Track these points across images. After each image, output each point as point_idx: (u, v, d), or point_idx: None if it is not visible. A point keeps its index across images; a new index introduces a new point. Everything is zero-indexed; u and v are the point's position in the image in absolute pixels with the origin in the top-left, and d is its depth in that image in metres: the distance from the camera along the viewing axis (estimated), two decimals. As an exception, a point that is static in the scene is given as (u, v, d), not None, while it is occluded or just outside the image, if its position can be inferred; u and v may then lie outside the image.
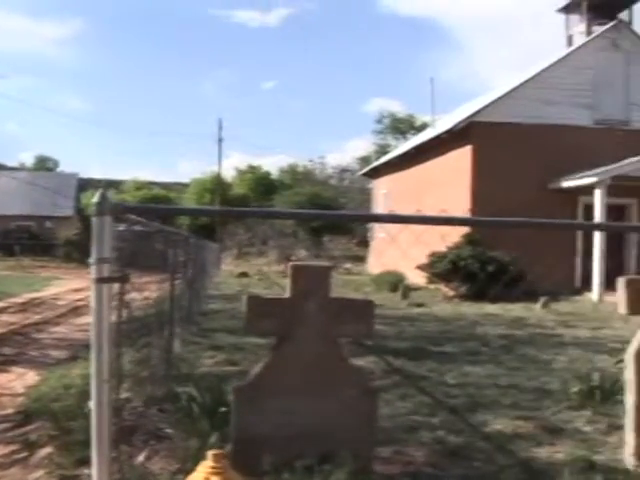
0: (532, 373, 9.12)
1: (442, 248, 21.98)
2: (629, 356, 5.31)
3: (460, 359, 10.20)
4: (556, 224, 5.17)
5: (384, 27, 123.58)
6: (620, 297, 5.16)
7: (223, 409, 5.41)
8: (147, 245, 7.20)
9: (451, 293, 22.40)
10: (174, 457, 5.03)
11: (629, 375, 5.35)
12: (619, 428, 5.77)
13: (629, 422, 5.32)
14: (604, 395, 7.19)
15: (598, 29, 27.41)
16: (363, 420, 4.71)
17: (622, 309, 5.17)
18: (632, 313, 5.12)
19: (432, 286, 23.73)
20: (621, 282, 5.18)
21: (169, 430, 5.67)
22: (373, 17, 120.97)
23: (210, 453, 3.39)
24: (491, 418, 6.67)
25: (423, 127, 47.67)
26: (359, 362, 9.29)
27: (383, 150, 60.91)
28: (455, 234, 21.89)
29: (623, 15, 27.95)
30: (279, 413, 4.58)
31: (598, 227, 20.51)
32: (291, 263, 4.76)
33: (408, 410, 6.84)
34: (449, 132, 26.40)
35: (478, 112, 25.72)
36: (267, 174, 74.26)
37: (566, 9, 29.25)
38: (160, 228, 7.10)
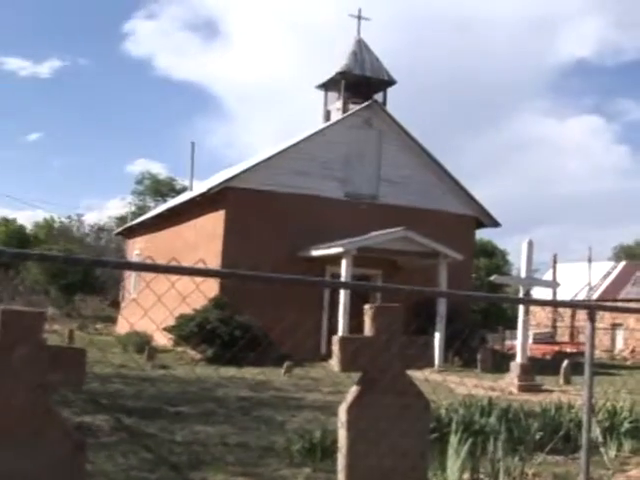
0: (263, 433, 9.25)
1: (189, 310, 21.92)
2: (341, 413, 5.51)
3: (194, 419, 10.19)
4: (305, 280, 5.35)
5: (157, 89, 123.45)
6: (334, 355, 5.37)
7: None
8: None
9: (197, 356, 22.34)
10: None
11: (341, 431, 5.54)
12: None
13: (341, 477, 5.49)
14: (324, 452, 7.39)
15: (354, 107, 28.74)
16: (69, 476, 4.57)
17: (336, 367, 5.37)
18: (344, 370, 5.33)
19: (179, 348, 23.57)
20: (335, 340, 5.38)
21: None
22: (147, 78, 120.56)
23: None
24: (211, 475, 6.68)
25: (183, 190, 47.71)
26: (88, 419, 9.07)
27: (141, 211, 60.37)
28: (202, 297, 21.90)
29: (378, 96, 29.51)
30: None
31: (344, 285, 21.21)
32: (1, 308, 4.59)
33: (128, 466, 6.74)
34: (204, 196, 26.59)
35: (233, 178, 26.11)
36: (22, 228, 71.44)
37: (325, 86, 30.49)
38: None
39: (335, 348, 5.35)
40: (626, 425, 9.78)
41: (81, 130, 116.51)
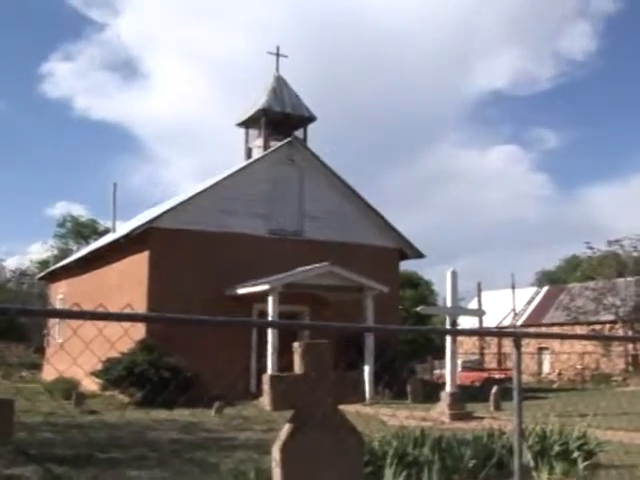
0: (196, 476, 9.17)
1: (116, 354, 21.62)
2: (275, 451, 5.50)
3: (125, 464, 10.06)
4: (233, 321, 5.32)
5: (75, 130, 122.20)
6: (265, 394, 5.38)
7: None
8: None
9: (126, 400, 22.01)
10: None
11: (276, 470, 5.53)
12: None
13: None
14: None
15: (275, 144, 28.88)
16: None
17: (268, 406, 5.39)
18: (276, 409, 5.33)
19: (107, 393, 23.20)
20: (265, 379, 5.41)
21: None
22: (66, 120, 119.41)
23: None
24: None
25: (106, 232, 47.22)
26: (17, 471, 8.88)
27: (64, 254, 59.52)
28: (128, 340, 21.61)
29: (299, 133, 29.72)
30: None
31: (271, 324, 21.16)
32: None
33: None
34: (127, 237, 26.37)
35: (156, 218, 25.96)
36: (-60, 275, 69.83)
37: (245, 124, 30.63)
38: None
39: (266, 387, 5.39)
40: (556, 448, 9.95)
41: (0, 173, 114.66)
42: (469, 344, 54.45)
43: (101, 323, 3.97)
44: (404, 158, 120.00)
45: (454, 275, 19.90)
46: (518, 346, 5.78)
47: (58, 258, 54.35)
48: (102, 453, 11.26)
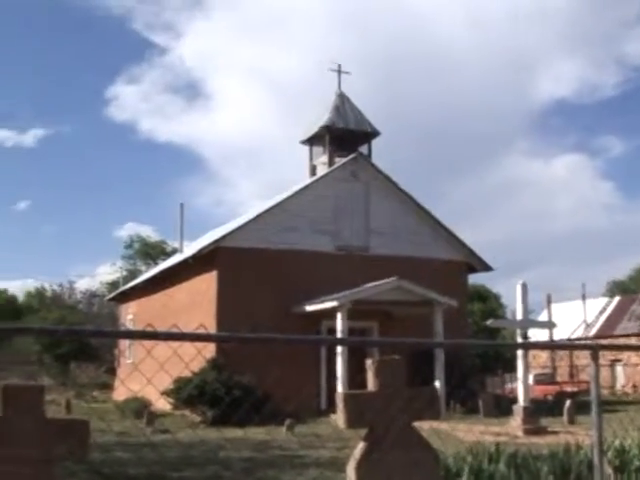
0: (269, 494, 9.12)
1: (187, 373, 21.76)
2: (350, 470, 5.44)
3: (199, 484, 10.06)
4: (304, 340, 5.32)
5: (142, 153, 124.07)
6: (339, 412, 5.31)
7: None
8: None
9: (197, 419, 22.15)
10: None
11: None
12: None
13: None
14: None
15: (340, 160, 28.91)
16: None
17: (341, 423, 5.31)
18: (350, 427, 5.27)
19: (178, 412, 23.37)
20: (339, 397, 5.33)
21: None
22: (132, 142, 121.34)
23: None
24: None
25: (174, 253, 47.73)
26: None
27: (133, 275, 60.29)
28: (199, 359, 21.73)
29: (363, 148, 29.73)
30: None
31: (342, 342, 21.08)
32: (2, 383, 4.55)
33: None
34: (195, 257, 26.59)
35: (223, 237, 26.16)
36: (13, 298, 71.32)
37: (310, 141, 30.73)
38: None
39: (340, 405, 5.29)
40: (636, 463, 9.69)
41: (68, 197, 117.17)
42: (541, 357, 53.70)
43: (175, 343, 3.95)
44: (469, 170, 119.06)
45: (524, 287, 19.64)
46: (596, 358, 5.63)
47: (127, 279, 55.02)
48: (175, 472, 11.30)
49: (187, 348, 4.68)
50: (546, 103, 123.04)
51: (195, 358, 20.98)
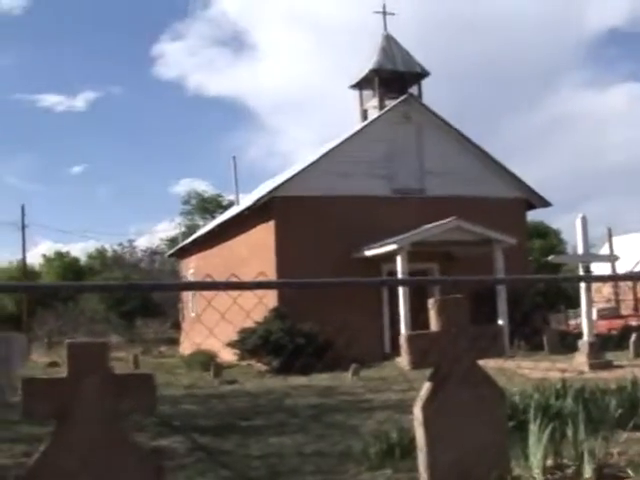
0: (337, 439, 9.19)
1: (251, 323, 21.96)
2: (417, 410, 5.44)
3: (267, 431, 10.17)
4: (362, 282, 5.29)
5: (191, 108, 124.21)
6: (403, 353, 5.30)
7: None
8: None
9: (263, 368, 22.39)
10: None
11: (419, 430, 5.47)
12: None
13: (424, 476, 5.42)
14: (403, 452, 7.31)
15: (391, 103, 28.63)
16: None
17: (406, 365, 5.31)
18: (415, 368, 5.26)
19: (244, 362, 23.65)
20: (403, 338, 5.32)
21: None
22: (180, 99, 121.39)
23: None
24: (292, 486, 6.65)
25: (230, 206, 47.91)
26: (164, 442, 9.09)
27: (191, 231, 60.73)
28: (262, 309, 21.89)
29: (413, 89, 29.38)
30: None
31: (402, 282, 21.05)
32: (67, 341, 4.60)
33: (208, 485, 6.73)
34: (251, 208, 26.69)
35: (278, 187, 26.16)
36: (76, 260, 72.41)
37: (359, 85, 30.43)
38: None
39: (404, 346, 5.28)
40: None
41: (122, 157, 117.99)
42: (604, 292, 53.10)
43: (235, 293, 3.96)
44: (522, 104, 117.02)
45: (584, 221, 19.33)
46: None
47: (186, 234, 55.47)
48: (244, 421, 11.44)
49: (248, 298, 4.68)
50: (599, 33, 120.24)
51: (258, 308, 21.21)
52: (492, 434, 5.49)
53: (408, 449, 7.27)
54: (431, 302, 5.15)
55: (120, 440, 4.48)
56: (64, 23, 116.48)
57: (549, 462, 6.39)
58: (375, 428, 9.63)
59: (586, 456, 6.28)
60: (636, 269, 51.77)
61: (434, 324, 5.18)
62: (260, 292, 4.25)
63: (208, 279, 4.22)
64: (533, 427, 6.60)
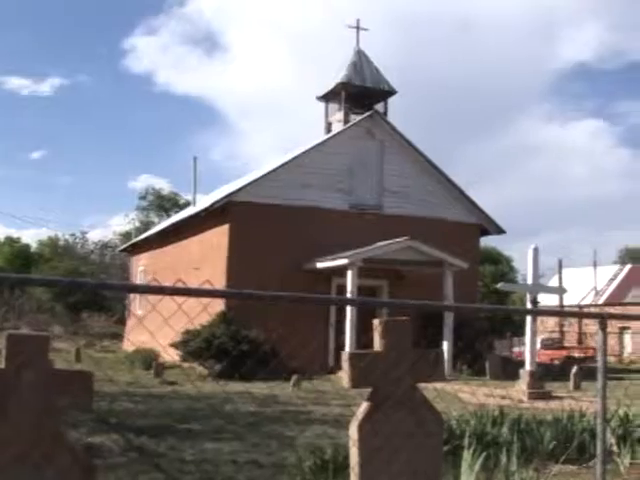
0: (273, 449, 9.18)
1: (196, 326, 21.82)
2: (352, 430, 5.43)
3: (203, 436, 10.13)
4: (313, 298, 5.29)
5: (158, 105, 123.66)
6: (344, 371, 5.30)
7: None
8: None
9: (205, 372, 22.26)
10: None
11: (353, 449, 5.46)
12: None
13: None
14: (337, 468, 7.32)
15: (355, 118, 28.72)
16: (80, 499, 4.50)
17: (346, 383, 5.30)
18: (355, 387, 5.26)
19: (186, 364, 23.50)
20: (344, 356, 5.32)
21: None
22: (147, 94, 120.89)
23: None
24: (223, 494, 6.62)
25: (187, 206, 47.73)
26: (98, 439, 9.00)
27: (145, 227, 60.38)
28: (207, 313, 21.73)
29: (379, 106, 29.50)
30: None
31: (350, 302, 21.11)
32: (7, 332, 4.54)
33: (139, 488, 6.68)
34: (207, 210, 26.57)
35: (236, 192, 26.08)
36: (26, 247, 71.53)
37: (325, 97, 30.49)
38: None
39: (345, 364, 5.28)
40: (639, 432, 9.69)
41: (84, 146, 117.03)
42: (549, 322, 53.73)
43: (180, 298, 3.94)
44: (485, 132, 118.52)
45: (536, 252, 19.55)
46: (604, 327, 5.61)
47: (140, 230, 55.15)
48: (180, 424, 11.38)
49: (195, 303, 4.66)
50: (566, 67, 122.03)
51: (201, 314, 21.07)
52: (426, 459, 5.50)
53: (342, 466, 7.28)
54: (376, 323, 5.15)
55: (52, 436, 4.42)
56: (37, 6, 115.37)
57: (480, 489, 6.44)
58: (311, 442, 9.64)
59: (516, 486, 6.34)
60: (582, 303, 52.45)
61: (377, 344, 5.19)
62: (206, 300, 4.23)
63: (154, 283, 4.18)
64: (466, 454, 6.65)
